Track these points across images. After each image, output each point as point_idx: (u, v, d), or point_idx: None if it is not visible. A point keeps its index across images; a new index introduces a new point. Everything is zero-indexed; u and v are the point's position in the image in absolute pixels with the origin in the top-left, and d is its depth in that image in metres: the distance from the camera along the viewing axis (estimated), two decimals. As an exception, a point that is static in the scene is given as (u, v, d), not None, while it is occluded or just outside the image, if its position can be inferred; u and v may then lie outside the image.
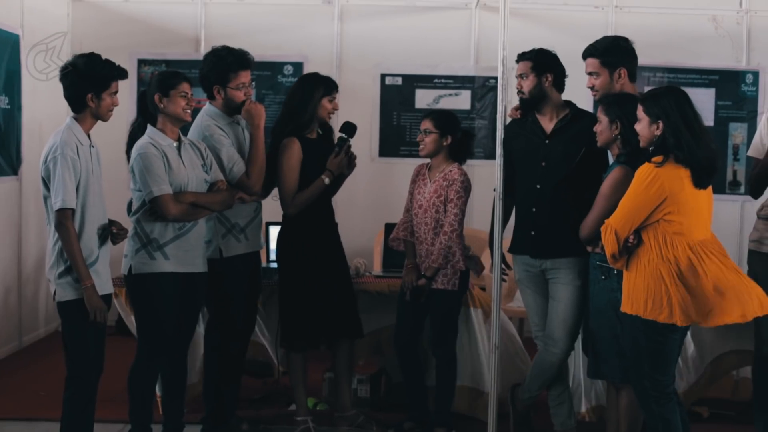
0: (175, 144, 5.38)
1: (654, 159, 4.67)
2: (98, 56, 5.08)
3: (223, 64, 5.77)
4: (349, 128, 6.06)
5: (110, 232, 5.12)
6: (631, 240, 4.71)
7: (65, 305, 4.99)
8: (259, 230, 6.00)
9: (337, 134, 6.05)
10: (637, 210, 4.68)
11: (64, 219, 4.87)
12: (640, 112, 4.82)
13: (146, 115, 5.44)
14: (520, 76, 5.69)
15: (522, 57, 5.70)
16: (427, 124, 6.02)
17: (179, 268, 5.35)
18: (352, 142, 6.06)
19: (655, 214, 4.67)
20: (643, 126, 4.80)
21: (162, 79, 5.39)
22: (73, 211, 4.90)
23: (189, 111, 5.43)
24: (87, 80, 4.98)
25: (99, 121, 5.11)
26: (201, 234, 5.50)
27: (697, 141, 4.68)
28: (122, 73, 5.10)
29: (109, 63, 5.07)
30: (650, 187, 4.64)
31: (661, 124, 4.70)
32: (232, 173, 5.68)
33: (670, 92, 4.83)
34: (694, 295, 4.66)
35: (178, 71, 5.58)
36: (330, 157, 5.96)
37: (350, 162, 6.06)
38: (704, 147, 4.70)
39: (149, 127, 5.39)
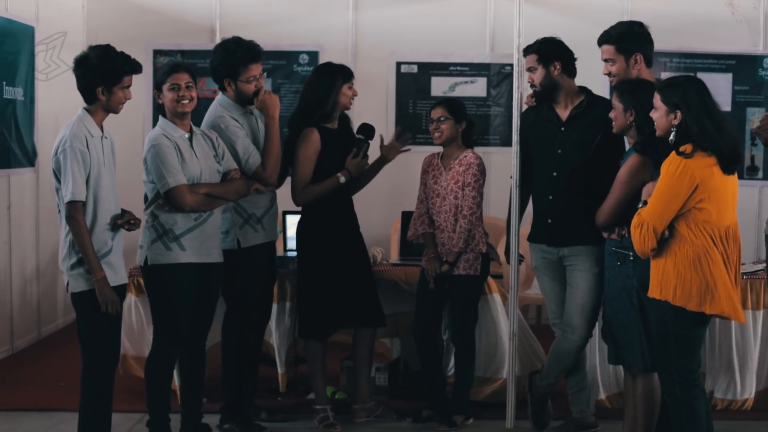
0: (186, 135, 5.37)
1: (682, 149, 4.63)
2: (112, 49, 5.05)
3: (233, 58, 5.72)
4: (368, 130, 6.05)
5: (120, 223, 5.11)
6: (665, 233, 4.69)
7: (78, 296, 5.02)
8: (275, 220, 6.00)
9: (357, 136, 6.05)
10: (671, 202, 4.62)
11: (74, 211, 4.88)
12: (657, 100, 4.78)
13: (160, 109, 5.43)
14: (529, 70, 5.67)
15: (527, 50, 5.68)
16: (441, 112, 6.01)
17: (195, 259, 5.35)
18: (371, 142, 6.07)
19: (688, 204, 4.63)
20: (660, 115, 4.76)
21: (157, 75, 5.39)
22: (83, 203, 4.90)
23: (186, 102, 5.34)
24: (98, 74, 4.97)
25: (114, 113, 5.11)
26: (216, 224, 5.50)
27: (719, 130, 4.65)
28: (135, 68, 5.07)
29: (122, 57, 5.04)
30: (682, 178, 4.59)
31: (679, 114, 4.67)
32: (248, 165, 5.67)
33: (689, 81, 4.79)
34: (722, 285, 4.65)
35: (176, 62, 5.58)
36: (348, 157, 5.96)
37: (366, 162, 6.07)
38: (727, 135, 4.67)
39: (161, 118, 5.39)
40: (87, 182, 4.92)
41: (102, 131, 5.07)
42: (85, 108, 5.05)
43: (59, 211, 5.01)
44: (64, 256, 5.02)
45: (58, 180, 4.95)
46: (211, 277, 5.48)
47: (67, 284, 5.04)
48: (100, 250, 4.97)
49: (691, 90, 4.70)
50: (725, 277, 4.65)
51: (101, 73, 4.97)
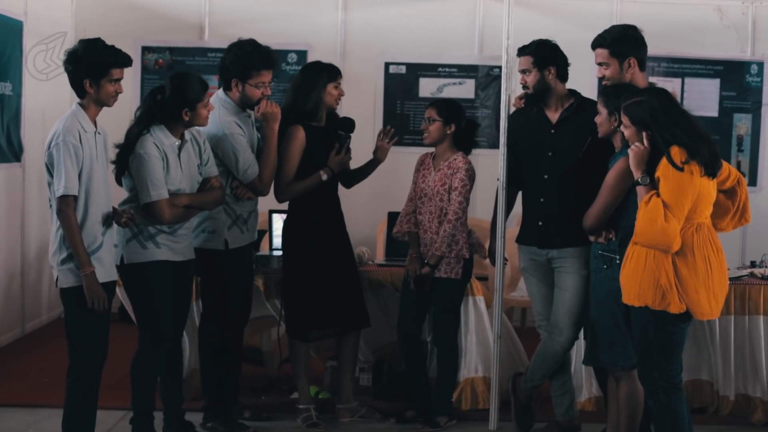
0: (177, 143, 5.33)
1: (677, 160, 4.65)
2: (100, 42, 5.01)
3: (247, 60, 5.69)
4: (348, 124, 6.04)
5: (118, 218, 5.08)
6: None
7: (67, 292, 4.97)
8: (257, 221, 6.02)
9: (339, 132, 6.03)
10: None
11: (64, 206, 4.85)
12: (625, 119, 4.84)
13: (154, 114, 5.28)
14: (523, 72, 5.67)
15: (522, 51, 5.67)
16: (431, 113, 6.01)
17: (171, 257, 5.34)
18: (352, 135, 6.05)
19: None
20: (632, 133, 4.82)
21: (186, 93, 5.25)
22: (75, 197, 4.88)
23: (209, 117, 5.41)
24: (83, 67, 4.94)
25: (104, 108, 5.07)
26: (189, 228, 5.50)
27: (692, 136, 4.67)
28: (122, 60, 5.02)
29: (109, 50, 4.99)
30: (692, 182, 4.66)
31: (647, 133, 4.72)
32: (245, 175, 5.68)
33: (651, 95, 4.84)
34: (706, 285, 4.70)
35: (196, 77, 5.39)
36: (331, 154, 5.95)
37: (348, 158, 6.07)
38: (701, 137, 4.70)
39: (156, 126, 5.26)
40: (79, 177, 4.89)
41: (96, 127, 5.04)
42: (78, 103, 5.02)
43: (50, 205, 4.98)
44: (54, 251, 4.98)
45: (51, 174, 4.92)
46: (185, 274, 5.48)
47: (57, 279, 5.00)
48: (90, 246, 4.95)
49: (654, 103, 4.75)
50: (695, 279, 4.69)
51: (86, 65, 4.94)
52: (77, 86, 4.99)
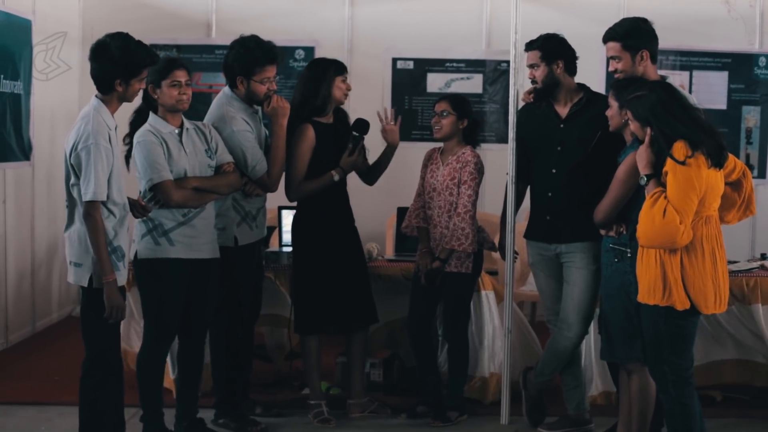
0: (176, 131, 5.34)
1: (678, 156, 4.64)
2: (131, 40, 4.84)
3: (250, 57, 5.70)
4: (363, 126, 6.04)
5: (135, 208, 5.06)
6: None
7: (101, 292, 4.75)
8: (266, 217, 6.03)
9: (352, 133, 6.03)
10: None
11: (92, 210, 4.67)
12: (628, 114, 4.85)
13: (149, 102, 5.35)
14: (531, 66, 5.66)
15: (530, 46, 5.66)
16: (444, 106, 6.00)
17: (185, 254, 5.32)
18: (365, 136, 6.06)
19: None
20: (636, 127, 4.82)
21: (154, 69, 5.16)
22: (102, 202, 4.71)
23: (184, 98, 5.31)
24: (119, 66, 4.78)
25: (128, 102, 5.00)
26: (209, 220, 5.47)
27: (694, 129, 4.67)
28: (155, 60, 4.94)
29: (143, 49, 4.85)
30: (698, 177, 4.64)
31: (649, 129, 4.72)
32: (254, 171, 5.69)
33: (652, 90, 4.84)
34: (714, 278, 4.70)
35: (173, 58, 5.45)
36: (344, 155, 5.95)
37: (363, 158, 6.07)
38: (703, 128, 4.69)
39: (151, 114, 5.32)
40: (110, 178, 4.74)
41: (114, 121, 4.90)
42: (99, 98, 4.86)
43: (67, 205, 4.84)
44: (85, 250, 4.76)
45: (77, 175, 4.73)
46: (204, 273, 5.44)
47: (90, 278, 4.77)
48: (124, 249, 4.84)
49: (653, 99, 4.75)
50: (703, 274, 4.69)
51: (122, 66, 4.79)
52: (105, 83, 4.83)
